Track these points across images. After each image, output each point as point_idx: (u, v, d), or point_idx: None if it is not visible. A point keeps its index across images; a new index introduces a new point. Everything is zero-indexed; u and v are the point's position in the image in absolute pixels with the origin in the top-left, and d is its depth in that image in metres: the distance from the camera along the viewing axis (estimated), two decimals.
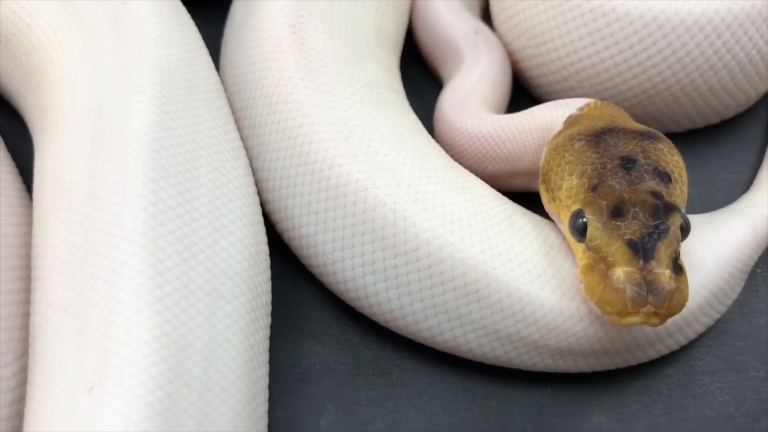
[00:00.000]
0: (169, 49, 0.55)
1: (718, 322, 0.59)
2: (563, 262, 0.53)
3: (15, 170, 0.59)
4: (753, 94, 0.65)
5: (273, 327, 0.56)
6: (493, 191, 0.57)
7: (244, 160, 0.57)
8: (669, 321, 0.52)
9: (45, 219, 0.50)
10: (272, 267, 0.57)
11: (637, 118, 0.62)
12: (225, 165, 0.53)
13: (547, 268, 0.52)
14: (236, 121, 0.60)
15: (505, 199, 0.57)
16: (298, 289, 0.60)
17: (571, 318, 0.51)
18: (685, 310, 0.53)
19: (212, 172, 0.52)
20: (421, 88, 0.71)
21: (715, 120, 0.67)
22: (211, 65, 0.60)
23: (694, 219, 0.57)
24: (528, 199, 0.59)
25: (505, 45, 0.68)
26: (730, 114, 0.67)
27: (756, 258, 0.59)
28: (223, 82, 0.61)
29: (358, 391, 0.56)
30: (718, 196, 0.65)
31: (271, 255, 0.56)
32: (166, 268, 0.45)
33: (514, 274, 0.51)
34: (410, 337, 0.55)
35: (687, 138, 0.67)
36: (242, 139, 0.59)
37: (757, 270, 0.62)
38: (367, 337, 0.58)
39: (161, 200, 0.47)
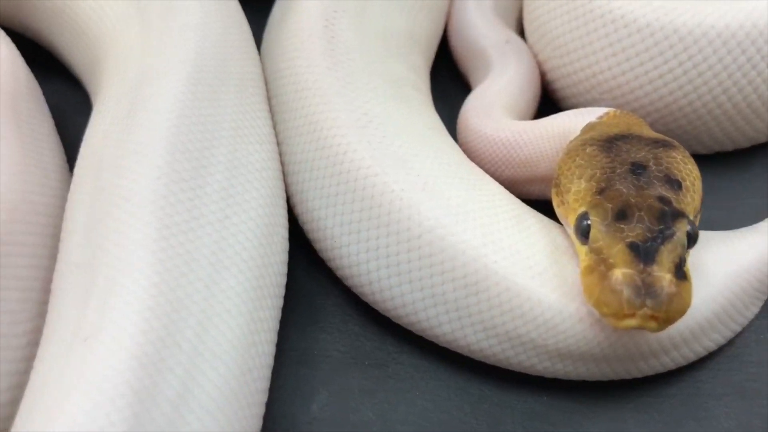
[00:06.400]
0: (207, 37, 0.58)
1: (730, 345, 0.57)
2: (567, 263, 0.52)
3: (60, 149, 0.62)
4: None
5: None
6: (505, 192, 0.57)
7: (271, 146, 0.59)
8: (674, 332, 0.51)
9: (77, 186, 0.53)
10: (291, 256, 0.58)
11: None
12: (248, 147, 0.55)
13: (549, 266, 0.52)
14: (271, 107, 0.62)
15: (518, 200, 0.57)
16: (311, 278, 0.61)
17: (570, 318, 0.50)
18: (691, 322, 0.52)
19: (232, 152, 0.54)
20: (450, 93, 0.72)
21: (745, 144, 0.66)
22: (252, 55, 0.64)
23: (713, 235, 0.56)
24: (545, 207, 0.59)
25: (535, 56, 0.68)
26: (763, 138, 0.66)
27: None
28: (263, 71, 0.64)
29: (352, 379, 0.56)
30: (744, 220, 0.63)
31: (291, 244, 0.57)
32: (172, 234, 0.47)
33: (514, 269, 0.51)
34: (409, 327, 0.55)
35: (716, 159, 0.66)
36: (274, 124, 0.61)
37: None
38: (368, 328, 0.58)
39: (175, 172, 0.49)
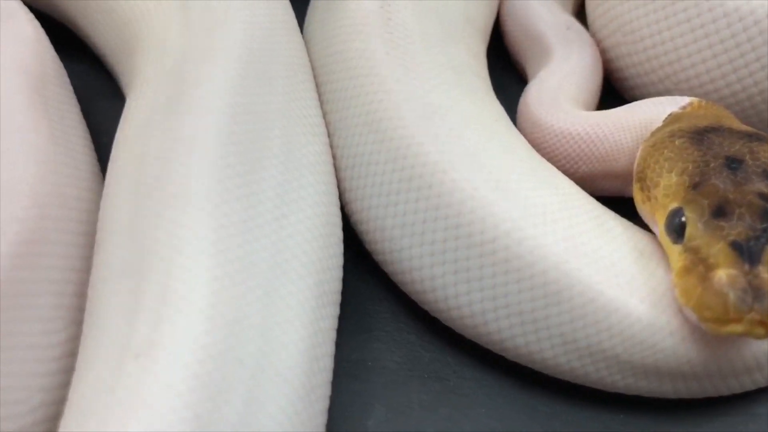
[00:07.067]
0: (254, 15, 0.53)
1: None
2: (655, 270, 0.47)
3: (88, 137, 0.57)
4: None
5: None
6: (581, 191, 0.52)
7: (323, 138, 0.54)
8: None
9: (115, 181, 0.48)
10: None
11: None
12: (300, 139, 0.50)
13: (636, 274, 0.47)
14: (319, 95, 0.57)
15: (595, 201, 0.52)
16: (359, 279, 0.56)
17: (660, 331, 0.46)
18: None
19: (286, 144, 0.49)
20: (503, 81, 0.66)
21: None
22: (298, 37, 0.58)
23: None
24: (619, 206, 0.54)
25: (598, 42, 0.64)
26: None
27: None
28: (309, 55, 0.59)
29: (411, 393, 0.51)
30: None
31: None
32: (229, 235, 0.42)
33: (599, 278, 0.46)
34: (475, 339, 0.51)
35: None
36: (324, 114, 0.56)
37: None
38: (426, 337, 0.54)
39: (230, 166, 0.44)
